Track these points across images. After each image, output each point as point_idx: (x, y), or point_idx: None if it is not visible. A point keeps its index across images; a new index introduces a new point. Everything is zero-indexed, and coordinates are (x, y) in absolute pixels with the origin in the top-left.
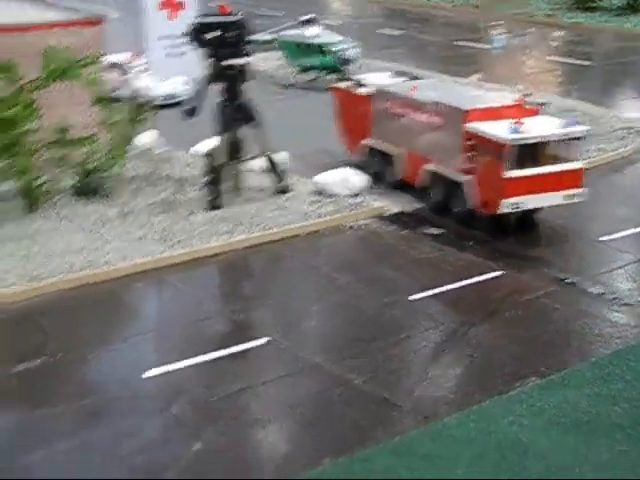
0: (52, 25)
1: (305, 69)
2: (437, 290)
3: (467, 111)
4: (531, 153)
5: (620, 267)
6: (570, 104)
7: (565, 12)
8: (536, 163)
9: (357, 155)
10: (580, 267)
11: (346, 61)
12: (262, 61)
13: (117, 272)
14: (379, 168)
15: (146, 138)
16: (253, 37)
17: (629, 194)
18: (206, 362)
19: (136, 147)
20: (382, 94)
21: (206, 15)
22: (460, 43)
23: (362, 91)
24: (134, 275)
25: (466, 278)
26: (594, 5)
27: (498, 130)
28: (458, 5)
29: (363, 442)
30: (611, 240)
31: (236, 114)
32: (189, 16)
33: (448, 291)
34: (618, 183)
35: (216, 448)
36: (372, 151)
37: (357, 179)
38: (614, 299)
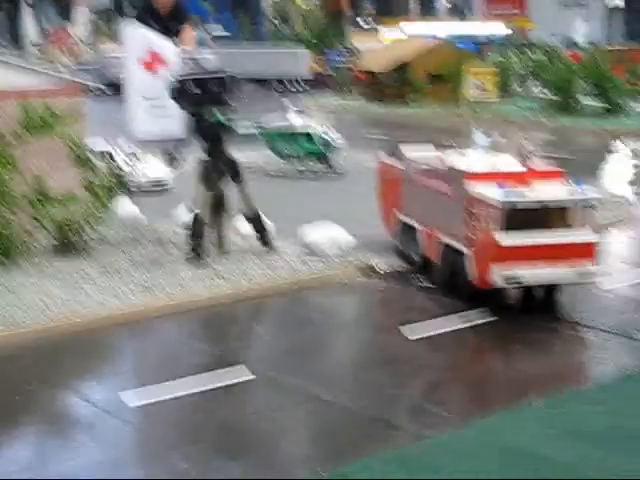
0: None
1: (289, 157)
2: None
3: (469, 173)
4: (531, 219)
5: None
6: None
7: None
8: (537, 229)
9: (394, 234)
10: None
11: (332, 147)
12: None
13: (98, 321)
14: (408, 246)
15: (127, 207)
16: (236, 128)
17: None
18: (190, 394)
19: (117, 214)
20: (410, 164)
21: (189, 70)
22: (445, 143)
23: (397, 163)
24: (116, 324)
25: (462, 323)
26: (574, 110)
27: (494, 192)
28: (441, 114)
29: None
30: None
31: (220, 170)
32: (172, 73)
33: (445, 333)
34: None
35: None
36: (403, 228)
37: (346, 237)
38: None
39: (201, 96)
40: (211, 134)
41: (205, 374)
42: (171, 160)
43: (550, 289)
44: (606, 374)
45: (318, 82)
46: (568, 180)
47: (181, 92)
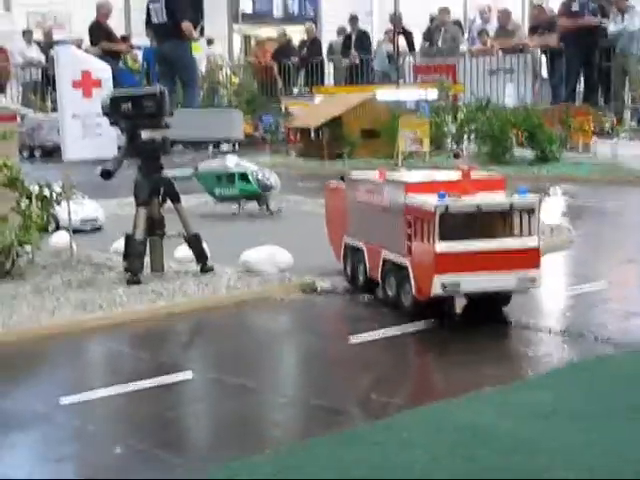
0: None
1: (225, 199)
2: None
3: (408, 184)
4: (472, 228)
5: None
6: None
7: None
8: (478, 237)
9: (340, 258)
10: None
11: (268, 187)
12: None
13: (31, 335)
14: (353, 267)
15: (60, 238)
16: (171, 173)
17: None
18: (128, 392)
19: (49, 243)
20: (353, 184)
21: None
22: None
23: (342, 186)
24: (51, 338)
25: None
26: (507, 160)
27: (429, 198)
28: (376, 165)
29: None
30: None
31: (154, 188)
32: (106, 94)
33: (389, 337)
34: None
35: None
36: (347, 250)
37: (284, 256)
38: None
39: (134, 111)
40: (145, 151)
41: (146, 380)
42: (105, 173)
43: (496, 298)
44: (552, 365)
45: (252, 143)
46: (510, 189)
47: (113, 107)
